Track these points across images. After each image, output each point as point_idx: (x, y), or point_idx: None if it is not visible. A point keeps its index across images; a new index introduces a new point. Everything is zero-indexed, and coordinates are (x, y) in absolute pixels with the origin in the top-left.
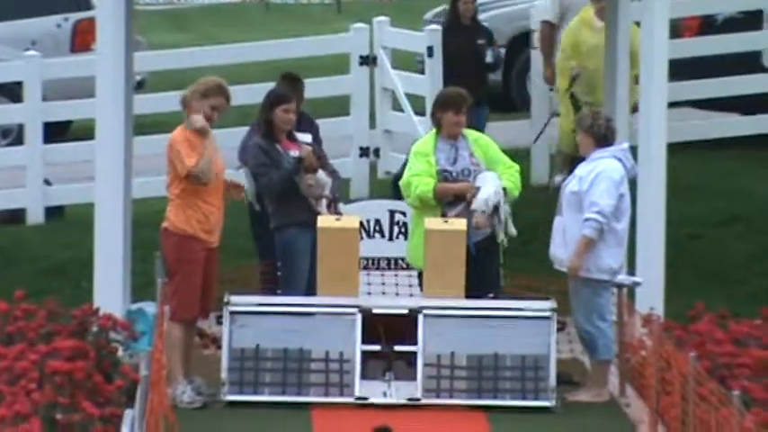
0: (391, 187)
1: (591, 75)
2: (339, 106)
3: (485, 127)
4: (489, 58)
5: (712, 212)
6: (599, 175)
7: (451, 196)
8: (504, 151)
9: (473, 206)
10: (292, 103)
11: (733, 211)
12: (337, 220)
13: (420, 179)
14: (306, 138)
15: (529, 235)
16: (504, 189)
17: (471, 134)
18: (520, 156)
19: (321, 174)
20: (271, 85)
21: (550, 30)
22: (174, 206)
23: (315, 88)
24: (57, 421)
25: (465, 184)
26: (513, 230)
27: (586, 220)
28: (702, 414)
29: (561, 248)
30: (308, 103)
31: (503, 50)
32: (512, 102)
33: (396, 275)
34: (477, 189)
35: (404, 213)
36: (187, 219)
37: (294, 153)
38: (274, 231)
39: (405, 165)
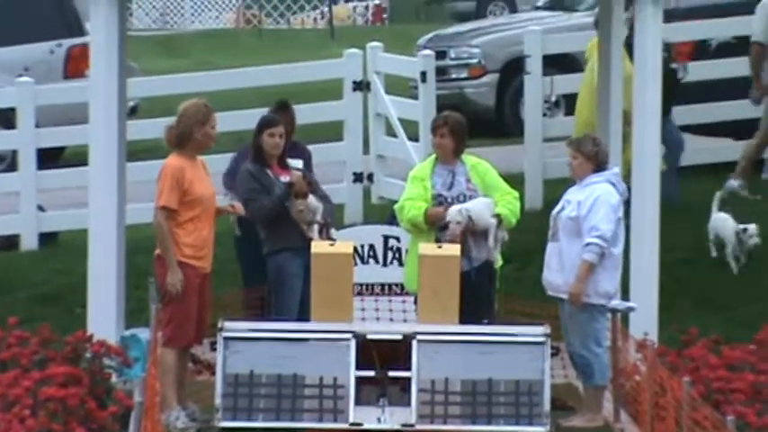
0: (389, 214)
1: None
2: (333, 132)
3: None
4: (681, 73)
5: (705, 237)
6: (597, 199)
7: (443, 221)
8: None
9: (447, 218)
10: (278, 128)
11: None
12: (331, 245)
13: (413, 203)
14: (297, 163)
15: (523, 261)
16: (500, 216)
17: (470, 160)
18: (512, 182)
19: (312, 199)
20: (264, 111)
21: (761, 50)
22: None
23: (308, 114)
24: None
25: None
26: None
27: (587, 245)
28: None
29: (557, 274)
30: (301, 129)
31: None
32: (504, 127)
33: (390, 301)
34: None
35: (398, 239)
36: (179, 246)
37: (285, 179)
38: (267, 257)
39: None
